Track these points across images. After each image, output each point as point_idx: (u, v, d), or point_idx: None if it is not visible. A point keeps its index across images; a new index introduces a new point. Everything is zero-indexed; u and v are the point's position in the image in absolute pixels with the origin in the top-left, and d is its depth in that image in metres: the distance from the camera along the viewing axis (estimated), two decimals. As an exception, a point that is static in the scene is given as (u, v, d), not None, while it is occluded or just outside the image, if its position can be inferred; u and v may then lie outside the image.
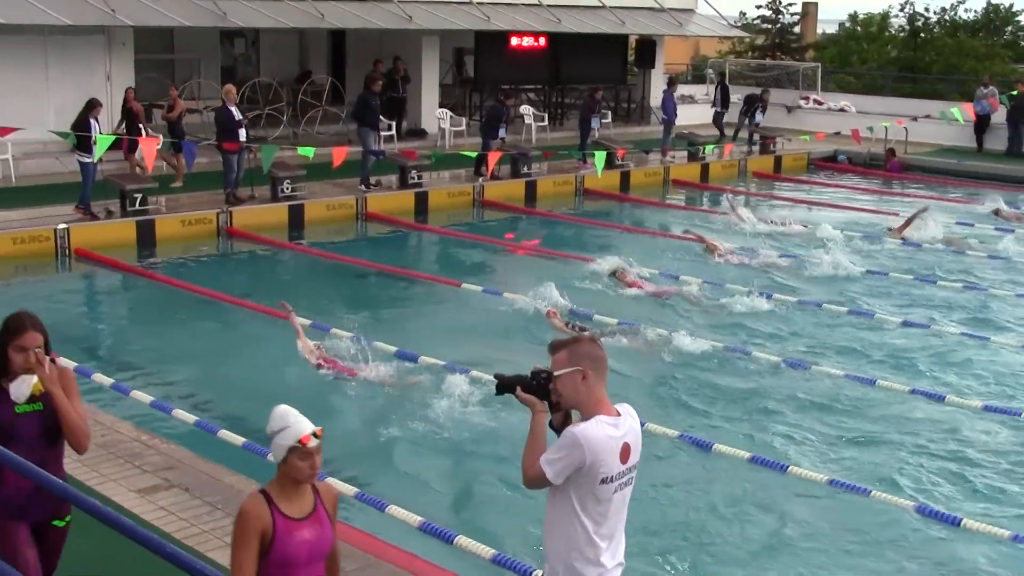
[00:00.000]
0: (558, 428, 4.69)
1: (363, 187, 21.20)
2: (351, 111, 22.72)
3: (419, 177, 21.88)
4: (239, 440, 9.57)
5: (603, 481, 4.54)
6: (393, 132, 25.91)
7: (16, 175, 20.92)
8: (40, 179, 20.97)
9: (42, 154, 21.88)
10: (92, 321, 14.23)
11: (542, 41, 29.73)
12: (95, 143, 17.37)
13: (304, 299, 14.38)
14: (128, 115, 20.19)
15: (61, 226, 17.29)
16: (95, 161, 18.03)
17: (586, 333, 4.78)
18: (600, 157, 20.61)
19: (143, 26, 22.86)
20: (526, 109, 29.45)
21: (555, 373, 4.58)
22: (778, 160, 28.30)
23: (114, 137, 17.49)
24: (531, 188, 23.34)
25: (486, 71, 29.51)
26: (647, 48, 33.18)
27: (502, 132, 23.59)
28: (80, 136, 17.67)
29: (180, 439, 9.41)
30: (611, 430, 4.55)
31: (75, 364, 11.44)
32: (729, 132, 28.69)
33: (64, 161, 21.24)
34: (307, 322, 12.90)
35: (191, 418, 10.15)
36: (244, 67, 29.91)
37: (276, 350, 12.35)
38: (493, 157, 20.13)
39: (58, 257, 16.95)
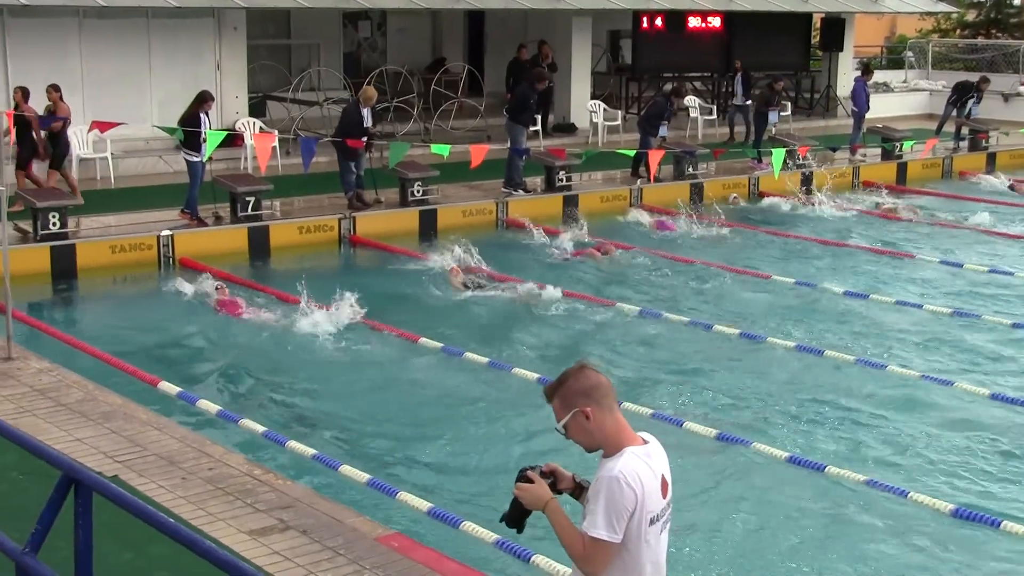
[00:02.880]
0: (578, 497, 4.73)
1: (508, 190, 21.42)
2: (507, 105, 22.91)
3: (568, 179, 22.00)
4: (363, 477, 9.63)
5: (651, 522, 4.52)
6: (539, 127, 25.98)
7: (115, 175, 21.47)
8: (142, 180, 21.55)
9: (144, 152, 22.54)
10: (195, 340, 14.41)
11: (712, 22, 29.57)
12: (205, 140, 17.77)
13: (438, 320, 14.75)
14: (20, 122, 18.28)
15: (165, 233, 17.69)
16: (204, 160, 18.45)
17: (577, 362, 4.71)
18: (778, 155, 20.40)
19: (257, 7, 23.34)
20: (691, 101, 29.39)
21: (557, 426, 4.62)
22: (991, 157, 27.67)
23: (225, 134, 17.74)
24: (697, 191, 23.24)
25: (645, 57, 29.61)
26: (834, 28, 32.82)
27: (663, 130, 23.63)
28: (188, 132, 18.09)
29: (297, 474, 9.54)
30: (647, 461, 4.56)
31: (178, 390, 11.74)
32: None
33: (169, 160, 21.82)
34: (437, 345, 13.28)
35: (309, 451, 10.21)
36: (369, 54, 30.54)
37: (405, 375, 12.54)
38: (655, 156, 19.84)
39: (161, 267, 17.35)
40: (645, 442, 4.64)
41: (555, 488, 4.68)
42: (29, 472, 8.66)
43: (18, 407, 10.47)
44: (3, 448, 8.39)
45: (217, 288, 15.42)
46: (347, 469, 9.80)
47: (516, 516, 4.66)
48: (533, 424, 10.86)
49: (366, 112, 19.85)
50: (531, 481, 4.64)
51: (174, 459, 9.33)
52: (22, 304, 14.07)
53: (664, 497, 4.63)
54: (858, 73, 27.94)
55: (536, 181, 22.14)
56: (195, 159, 18.45)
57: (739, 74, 27.95)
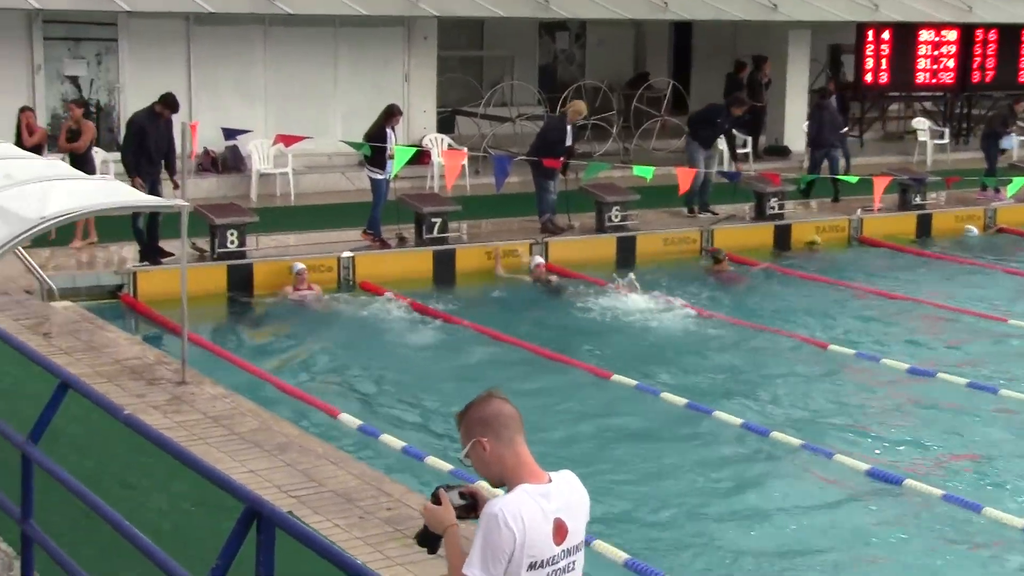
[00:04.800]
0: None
1: (691, 213, 21.52)
2: (689, 118, 22.96)
3: (780, 207, 21.71)
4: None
5: (531, 567, 4.44)
6: (749, 149, 25.72)
7: (295, 192, 22.00)
8: (322, 197, 21.98)
9: (326, 168, 23.05)
10: (378, 369, 14.56)
11: (947, 35, 28.79)
12: (391, 157, 18.07)
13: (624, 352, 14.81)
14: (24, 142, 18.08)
15: (345, 254, 17.92)
16: (390, 178, 18.78)
17: (486, 390, 4.73)
18: (1017, 184, 19.98)
19: (450, 16, 23.66)
20: (921, 123, 28.81)
21: (461, 455, 4.66)
22: None
23: (414, 150, 18.12)
24: (924, 223, 22.75)
25: (870, 74, 28.83)
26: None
27: (1008, 142, 23.85)
28: (374, 149, 18.37)
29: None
30: (540, 501, 4.49)
31: (359, 422, 11.91)
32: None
33: (351, 177, 22.23)
34: (630, 381, 13.49)
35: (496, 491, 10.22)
36: (566, 67, 30.62)
37: (597, 412, 12.69)
38: (880, 184, 19.51)
39: (340, 290, 17.48)
40: (550, 480, 4.59)
41: (476, 512, 4.61)
42: (201, 503, 8.89)
43: (191, 434, 10.67)
44: (176, 475, 8.68)
45: (298, 272, 16.79)
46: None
47: (426, 537, 4.68)
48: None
49: (569, 129, 19.88)
50: (439, 502, 4.64)
51: (351, 496, 9.40)
52: (197, 325, 14.36)
53: (558, 543, 4.55)
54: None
55: (744, 208, 21.93)
56: (379, 177, 18.69)
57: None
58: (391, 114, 18.87)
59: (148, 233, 16.79)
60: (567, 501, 4.63)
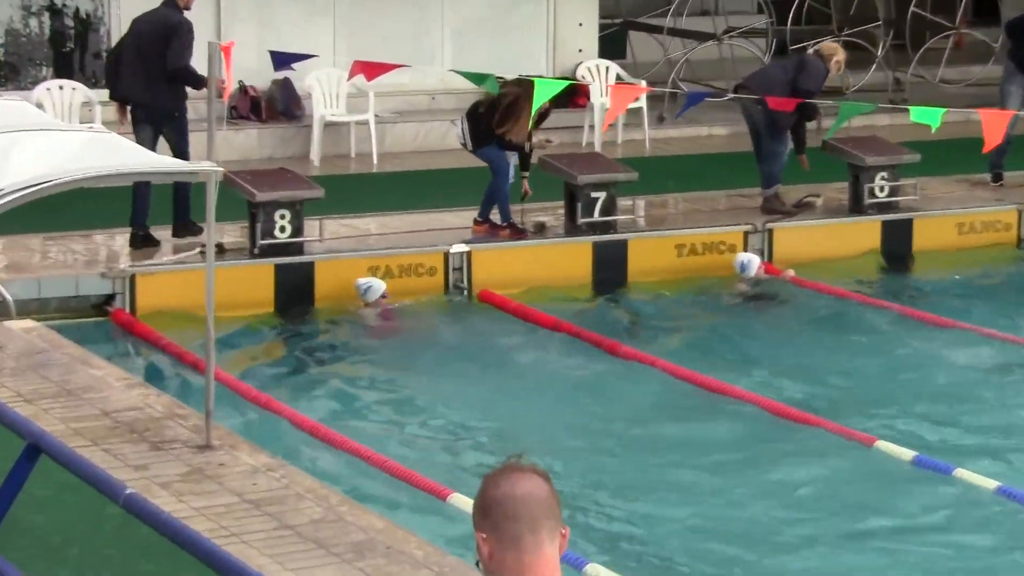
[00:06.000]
0: None
1: (997, 181, 20.86)
2: (1006, 27, 22.83)
3: None
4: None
5: None
6: None
7: (380, 151, 21.50)
8: (422, 160, 21.74)
9: (427, 114, 22.75)
10: (513, 420, 14.41)
11: None
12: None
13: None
14: None
15: (457, 249, 17.47)
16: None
17: (511, 455, 4.58)
18: None
19: None
20: None
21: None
22: None
23: (564, 85, 17.30)
24: None
25: None
26: None
27: None
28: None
29: None
30: None
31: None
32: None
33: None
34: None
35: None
36: None
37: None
38: None
39: (449, 301, 17.44)
40: None
41: None
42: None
43: (218, 527, 10.42)
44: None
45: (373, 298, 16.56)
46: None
47: None
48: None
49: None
50: None
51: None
52: (227, 356, 14.51)
53: None
54: None
55: None
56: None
57: None
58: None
59: (176, 195, 16.97)
60: None
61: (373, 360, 16.01)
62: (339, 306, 16.84)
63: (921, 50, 26.14)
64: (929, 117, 16.85)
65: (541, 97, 16.69)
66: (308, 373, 15.80)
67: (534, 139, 18.08)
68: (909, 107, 17.98)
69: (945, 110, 16.93)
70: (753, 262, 17.68)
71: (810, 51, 20.64)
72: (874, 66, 25.56)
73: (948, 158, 20.37)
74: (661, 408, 14.79)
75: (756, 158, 19.43)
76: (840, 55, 19.81)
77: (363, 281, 16.52)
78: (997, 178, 20.65)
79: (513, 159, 18.34)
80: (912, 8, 26.40)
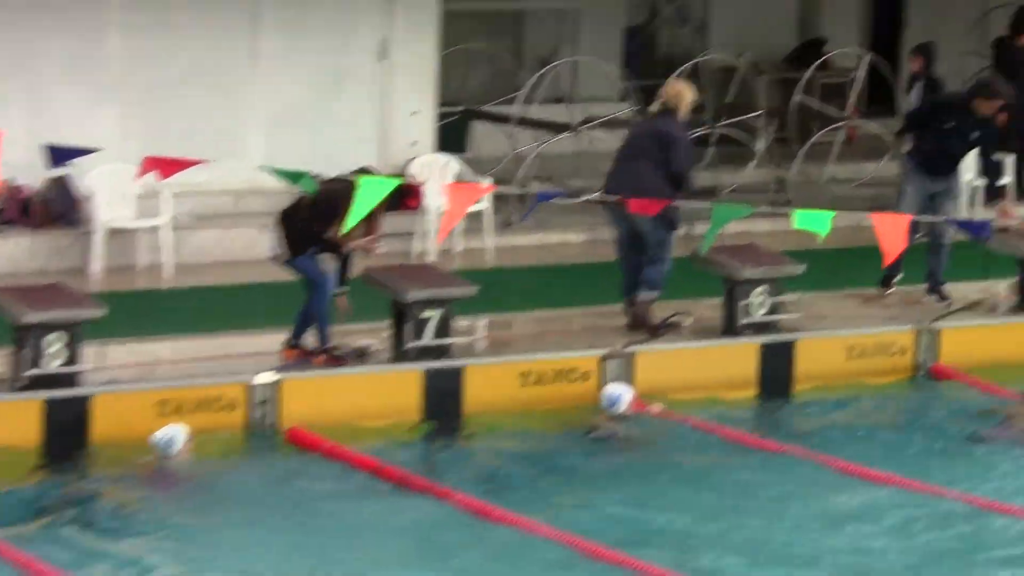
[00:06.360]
0: None
1: (933, 296, 20.92)
2: (906, 118, 22.67)
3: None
4: None
5: None
6: (1009, 179, 24.77)
7: (176, 261, 20.90)
8: (224, 273, 21.06)
9: (231, 218, 22.15)
10: None
11: None
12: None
13: None
14: None
15: (260, 380, 16.91)
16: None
17: None
18: None
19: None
20: None
21: None
22: None
23: (394, 184, 16.34)
24: None
25: None
26: None
27: None
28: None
29: None
30: None
31: None
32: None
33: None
34: None
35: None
36: (672, 31, 30.60)
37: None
38: None
39: (251, 441, 16.71)
40: None
41: None
42: None
43: None
44: None
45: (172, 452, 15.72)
46: None
47: None
48: None
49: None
50: None
51: None
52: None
53: None
54: None
55: (998, 290, 21.10)
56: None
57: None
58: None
59: None
60: None
61: (156, 520, 14.62)
62: (119, 452, 15.79)
63: (807, 144, 26.21)
64: (816, 222, 16.59)
65: (367, 201, 15.95)
66: (77, 540, 14.19)
67: (353, 243, 17.82)
68: (793, 210, 17.57)
69: (834, 214, 16.71)
70: (624, 396, 17.11)
71: (651, 107, 19.96)
72: (753, 163, 25.68)
73: (837, 269, 20.82)
74: (507, 564, 13.95)
75: (623, 267, 19.25)
76: (687, 95, 19.38)
77: (160, 435, 15.52)
78: (887, 281, 20.64)
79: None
80: (797, 97, 26.51)
